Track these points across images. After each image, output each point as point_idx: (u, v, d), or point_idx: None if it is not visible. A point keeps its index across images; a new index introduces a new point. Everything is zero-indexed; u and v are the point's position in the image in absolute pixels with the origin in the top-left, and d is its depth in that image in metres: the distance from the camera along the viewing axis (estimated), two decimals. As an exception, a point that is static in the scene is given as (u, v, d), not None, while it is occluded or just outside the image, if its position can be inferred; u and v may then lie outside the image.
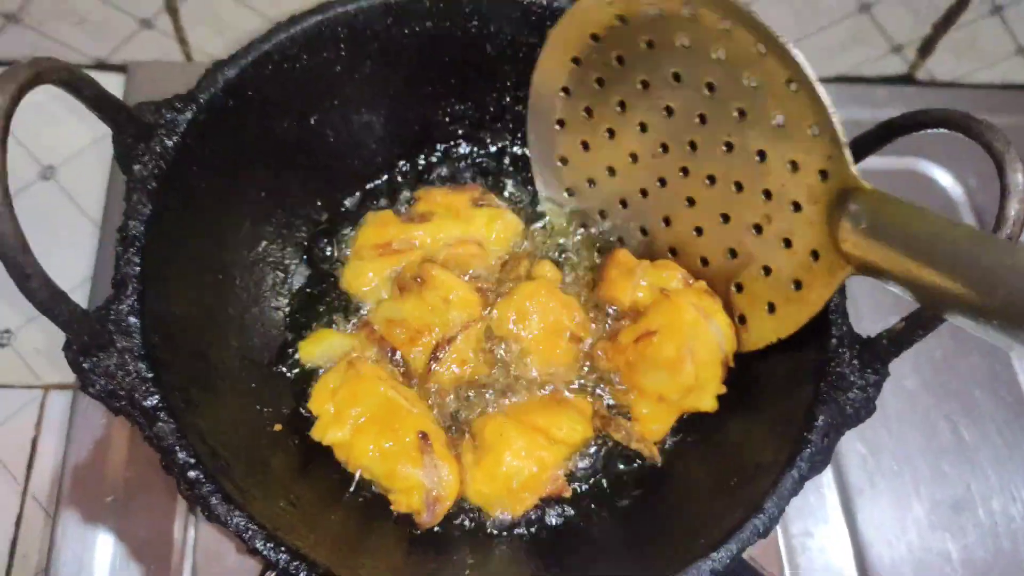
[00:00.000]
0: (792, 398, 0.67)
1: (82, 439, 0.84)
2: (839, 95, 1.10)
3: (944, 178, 1.08)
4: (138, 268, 0.63)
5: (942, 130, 0.61)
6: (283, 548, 0.58)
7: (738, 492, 0.66)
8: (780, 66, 0.65)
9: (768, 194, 0.71)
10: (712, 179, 0.75)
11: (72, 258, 0.97)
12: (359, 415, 0.72)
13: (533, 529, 0.73)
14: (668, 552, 0.62)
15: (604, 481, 0.76)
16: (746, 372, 0.74)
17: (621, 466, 0.76)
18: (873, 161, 1.05)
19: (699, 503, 0.63)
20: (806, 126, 0.66)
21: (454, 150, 0.89)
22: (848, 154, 0.63)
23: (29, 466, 0.88)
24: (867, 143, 0.67)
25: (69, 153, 1.03)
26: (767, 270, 0.72)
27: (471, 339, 0.77)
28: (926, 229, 0.57)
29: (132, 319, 0.61)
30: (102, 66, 1.08)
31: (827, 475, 0.89)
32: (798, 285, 0.70)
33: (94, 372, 0.60)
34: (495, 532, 0.73)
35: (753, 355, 0.74)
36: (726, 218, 0.75)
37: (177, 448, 0.59)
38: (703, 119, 0.73)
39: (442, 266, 0.79)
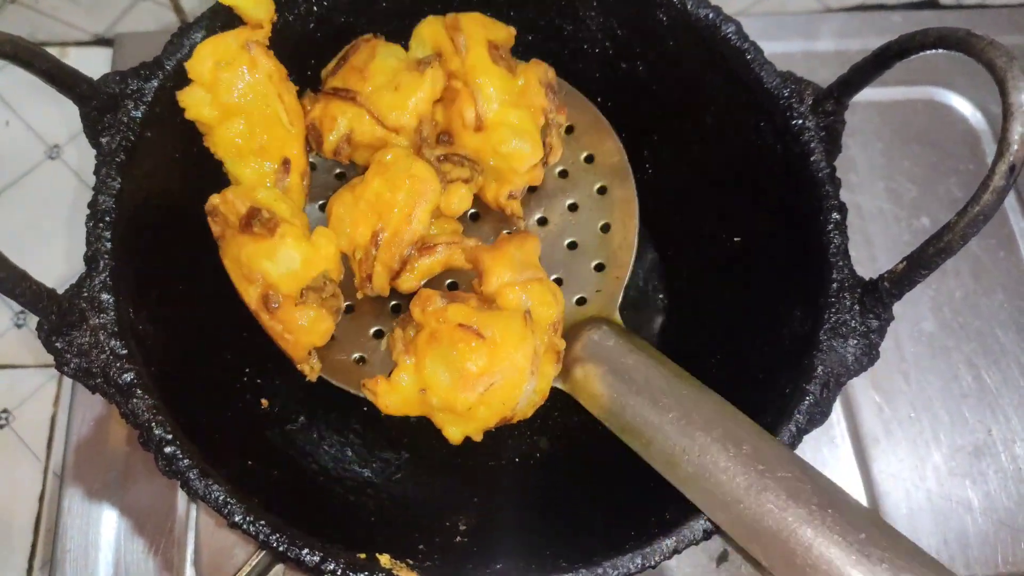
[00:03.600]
0: (789, 347, 0.63)
1: (83, 416, 0.85)
2: (850, 24, 1.06)
3: (964, 106, 1.02)
4: (109, 244, 0.62)
5: (960, 56, 0.55)
6: (263, 521, 0.57)
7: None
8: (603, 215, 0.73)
9: None
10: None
11: (83, 238, 0.97)
12: (236, 103, 0.67)
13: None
14: (659, 511, 0.59)
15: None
16: (738, 321, 0.71)
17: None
18: (887, 92, 1.02)
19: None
20: (591, 262, 0.72)
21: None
22: (619, 298, 0.69)
23: (49, 444, 0.89)
24: (863, 72, 0.62)
25: (74, 131, 1.03)
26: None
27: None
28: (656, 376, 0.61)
29: (105, 296, 0.60)
30: (101, 41, 1.08)
31: (840, 426, 0.86)
32: None
33: (68, 351, 0.59)
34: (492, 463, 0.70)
35: (745, 304, 0.71)
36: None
37: (153, 424, 0.58)
38: None
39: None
